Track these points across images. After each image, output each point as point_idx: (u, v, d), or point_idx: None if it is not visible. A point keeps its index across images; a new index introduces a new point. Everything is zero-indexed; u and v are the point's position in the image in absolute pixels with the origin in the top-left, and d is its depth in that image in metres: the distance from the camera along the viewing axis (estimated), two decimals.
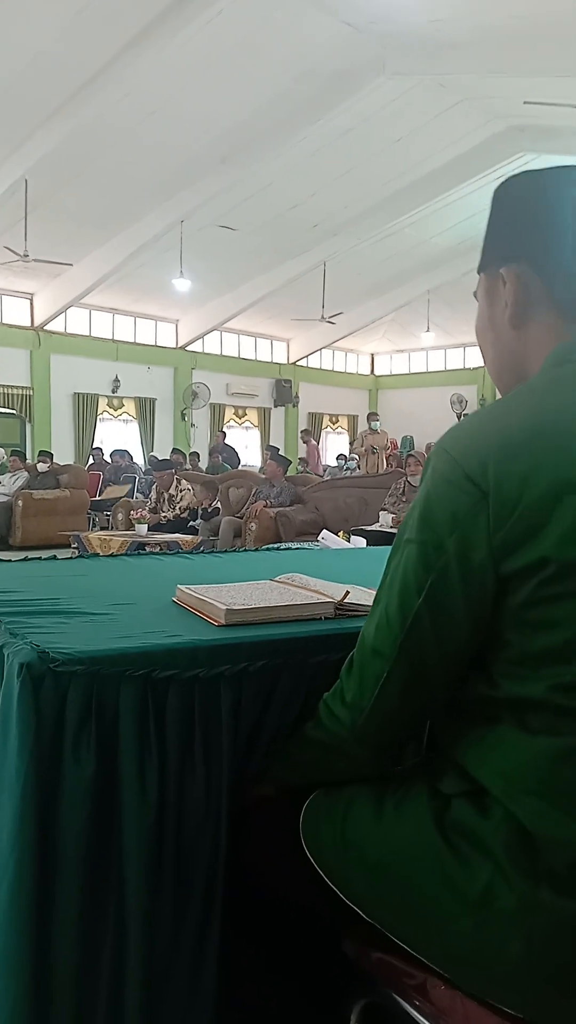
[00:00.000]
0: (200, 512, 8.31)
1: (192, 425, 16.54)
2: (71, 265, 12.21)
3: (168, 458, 9.71)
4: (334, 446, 18.92)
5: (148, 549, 5.96)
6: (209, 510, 8.36)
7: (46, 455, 10.76)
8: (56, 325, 14.18)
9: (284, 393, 18.20)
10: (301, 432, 15.96)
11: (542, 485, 0.75)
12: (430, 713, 0.94)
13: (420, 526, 0.83)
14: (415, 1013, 0.86)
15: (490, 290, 0.97)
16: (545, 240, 0.90)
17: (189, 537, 7.23)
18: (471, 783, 0.84)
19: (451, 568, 0.80)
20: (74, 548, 7.22)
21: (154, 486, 8.46)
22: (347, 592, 1.28)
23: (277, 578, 1.49)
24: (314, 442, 15.26)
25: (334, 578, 1.49)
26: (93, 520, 10.57)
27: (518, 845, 0.79)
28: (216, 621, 1.18)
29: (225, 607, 1.18)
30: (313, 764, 1.02)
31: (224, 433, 14.33)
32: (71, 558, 1.90)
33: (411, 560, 0.84)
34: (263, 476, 8.87)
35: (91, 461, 13.40)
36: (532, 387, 0.85)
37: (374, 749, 0.94)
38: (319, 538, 3.78)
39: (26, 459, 11.14)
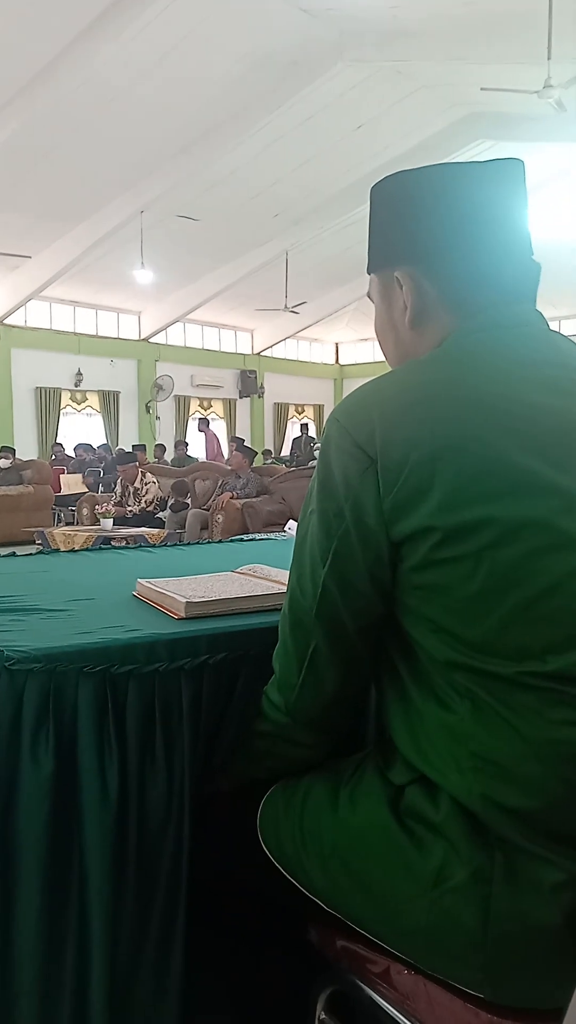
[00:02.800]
0: (169, 504, 8.26)
1: (156, 418, 16.42)
2: (30, 257, 12.03)
3: (130, 451, 9.61)
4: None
5: (114, 544, 5.91)
6: (180, 502, 8.31)
7: (8, 451, 10.61)
8: (16, 319, 13.97)
9: (249, 384, 18.14)
10: (199, 421, 15.54)
11: (424, 452, 0.77)
12: (360, 683, 0.95)
13: (320, 495, 0.86)
14: (379, 999, 0.87)
15: (385, 292, 0.98)
16: (430, 242, 0.92)
17: (155, 531, 7.18)
18: (416, 770, 0.85)
19: (350, 534, 0.82)
20: (38, 544, 7.14)
21: (119, 480, 8.38)
22: None
23: (238, 569, 1.48)
24: (211, 431, 14.99)
25: None
26: (58, 516, 10.45)
27: (469, 823, 0.80)
28: (176, 614, 1.17)
29: (184, 600, 1.17)
30: (265, 754, 1.03)
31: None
32: (31, 554, 1.88)
33: (314, 529, 0.86)
34: (229, 468, 8.84)
35: (53, 456, 13.24)
36: (417, 363, 0.88)
37: (314, 730, 0.96)
38: (286, 528, 3.77)
39: None
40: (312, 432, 16.57)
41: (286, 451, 17.65)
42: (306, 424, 17.06)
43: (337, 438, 0.83)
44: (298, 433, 16.53)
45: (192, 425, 17.25)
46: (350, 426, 0.82)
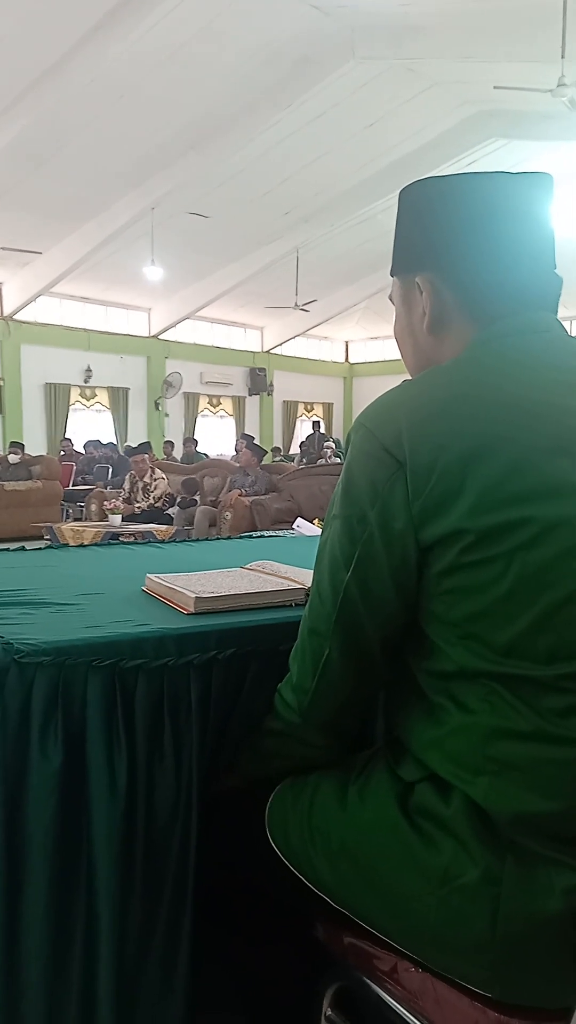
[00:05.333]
0: (177, 500, 8.27)
1: (165, 414, 16.44)
2: (40, 253, 12.05)
3: (135, 447, 9.62)
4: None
5: (122, 540, 5.92)
6: (188, 498, 8.33)
7: (17, 446, 10.63)
8: (26, 315, 13.99)
9: (258, 381, 18.14)
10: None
11: (454, 454, 0.77)
12: (374, 690, 0.95)
13: (343, 500, 0.85)
14: (386, 996, 0.87)
15: (406, 296, 0.98)
16: (453, 250, 0.92)
17: (164, 527, 7.19)
18: (428, 769, 0.85)
19: (375, 539, 0.82)
20: (47, 539, 7.16)
21: (128, 474, 8.40)
22: None
23: (248, 565, 1.48)
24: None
25: (306, 564, 1.48)
26: (67, 511, 10.48)
27: (481, 823, 0.80)
28: (185, 609, 1.17)
29: (194, 595, 1.17)
30: (275, 753, 1.03)
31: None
32: (40, 549, 1.88)
33: (337, 535, 0.86)
34: (237, 465, 8.84)
35: (62, 452, 13.29)
36: (442, 368, 0.87)
37: (326, 732, 0.96)
38: (294, 526, 3.78)
39: None
40: (323, 430, 16.58)
41: (295, 449, 17.66)
42: (318, 422, 17.06)
43: (364, 443, 0.83)
44: (311, 430, 16.52)
45: (202, 422, 17.26)
46: (377, 430, 0.82)
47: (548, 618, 0.76)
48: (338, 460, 12.13)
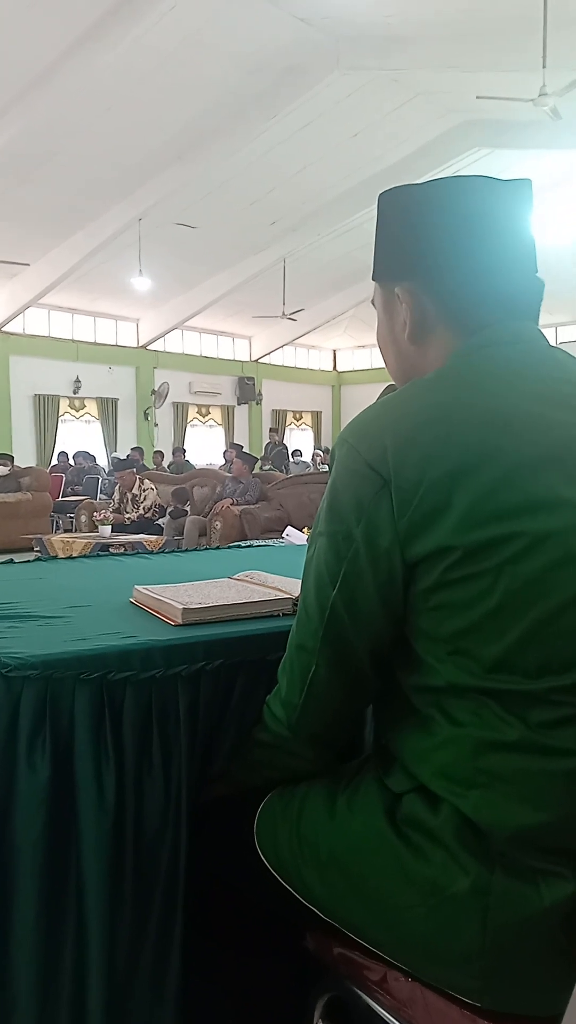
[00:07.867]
0: (168, 510, 8.26)
1: (155, 424, 16.44)
2: (28, 265, 12.05)
3: (126, 457, 9.60)
4: (298, 443, 18.96)
5: (112, 550, 5.90)
6: (179, 508, 8.32)
7: (6, 458, 10.59)
8: (14, 326, 13.98)
9: (247, 390, 18.16)
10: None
11: (440, 470, 0.77)
12: (362, 704, 0.96)
13: (328, 517, 0.85)
14: (376, 1006, 0.87)
15: (387, 305, 0.98)
16: (431, 260, 0.91)
17: (154, 537, 7.18)
18: (417, 781, 0.85)
19: (360, 556, 0.82)
20: (36, 551, 7.13)
21: (117, 487, 8.39)
22: None
23: (235, 575, 1.48)
24: None
25: (294, 573, 1.48)
26: (56, 523, 10.45)
27: (469, 833, 0.80)
28: (173, 621, 1.17)
29: (181, 606, 1.17)
30: (265, 764, 1.03)
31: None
32: (28, 561, 1.87)
33: (323, 552, 0.85)
34: (227, 474, 8.84)
35: (55, 463, 13.23)
36: (425, 381, 0.87)
37: (315, 745, 0.95)
38: (284, 535, 3.79)
39: None
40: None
41: None
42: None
43: (348, 459, 0.83)
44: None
45: (191, 432, 17.27)
46: (361, 447, 0.81)
47: (537, 632, 0.76)
48: (327, 468, 12.15)
